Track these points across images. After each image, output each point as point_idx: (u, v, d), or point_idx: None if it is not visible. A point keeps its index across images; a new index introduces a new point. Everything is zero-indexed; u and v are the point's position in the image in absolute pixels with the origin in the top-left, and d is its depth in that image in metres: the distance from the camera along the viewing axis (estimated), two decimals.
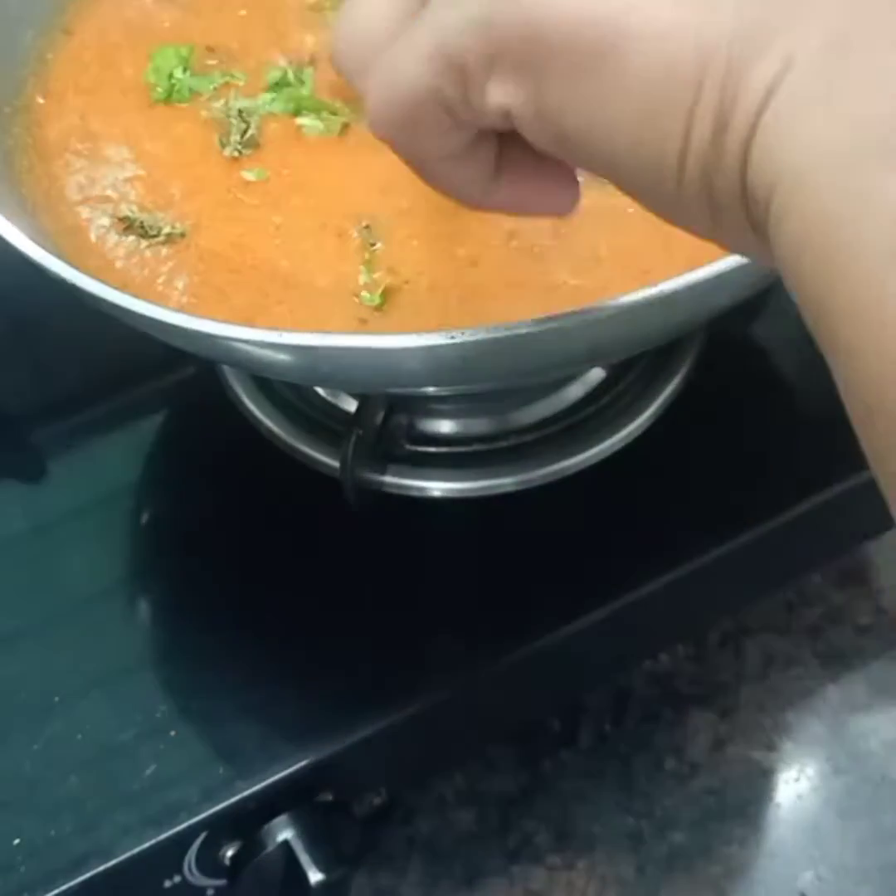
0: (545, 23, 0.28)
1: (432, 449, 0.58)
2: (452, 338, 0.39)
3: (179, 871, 0.49)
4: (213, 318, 0.41)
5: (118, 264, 0.49)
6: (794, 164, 0.25)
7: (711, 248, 0.30)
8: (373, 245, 0.49)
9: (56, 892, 0.47)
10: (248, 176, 0.51)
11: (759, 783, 0.61)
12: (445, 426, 0.59)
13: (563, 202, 0.35)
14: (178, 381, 0.61)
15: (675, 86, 0.27)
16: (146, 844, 0.48)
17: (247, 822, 0.50)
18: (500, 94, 0.29)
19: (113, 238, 0.50)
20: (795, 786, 0.61)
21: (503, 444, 0.58)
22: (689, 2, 0.27)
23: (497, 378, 0.46)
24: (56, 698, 0.52)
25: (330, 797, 0.51)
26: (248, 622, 0.54)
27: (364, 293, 0.47)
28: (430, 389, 0.51)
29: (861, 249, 0.24)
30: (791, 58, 0.25)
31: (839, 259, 0.24)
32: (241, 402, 0.59)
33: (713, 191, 0.28)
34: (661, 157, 0.28)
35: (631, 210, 0.40)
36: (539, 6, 0.28)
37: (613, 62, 0.27)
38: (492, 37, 0.29)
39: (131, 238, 0.50)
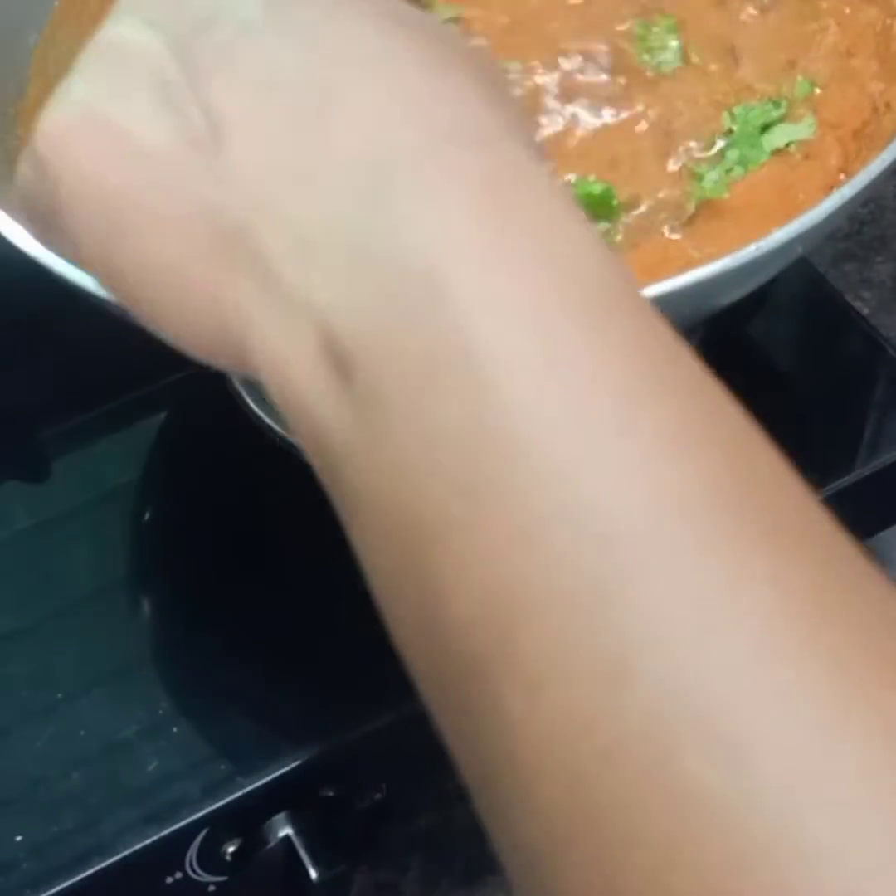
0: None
1: None
2: None
3: (181, 867, 0.50)
4: None
5: None
6: None
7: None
8: None
9: (58, 888, 0.47)
10: None
11: None
12: None
13: None
14: (180, 380, 0.61)
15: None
16: (148, 841, 0.48)
17: (248, 818, 0.50)
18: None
19: None
20: None
21: None
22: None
23: None
24: (58, 695, 0.52)
25: (331, 794, 0.51)
26: (250, 619, 0.54)
27: None
28: None
29: None
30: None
31: None
32: (244, 400, 0.59)
33: None
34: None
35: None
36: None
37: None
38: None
39: None
